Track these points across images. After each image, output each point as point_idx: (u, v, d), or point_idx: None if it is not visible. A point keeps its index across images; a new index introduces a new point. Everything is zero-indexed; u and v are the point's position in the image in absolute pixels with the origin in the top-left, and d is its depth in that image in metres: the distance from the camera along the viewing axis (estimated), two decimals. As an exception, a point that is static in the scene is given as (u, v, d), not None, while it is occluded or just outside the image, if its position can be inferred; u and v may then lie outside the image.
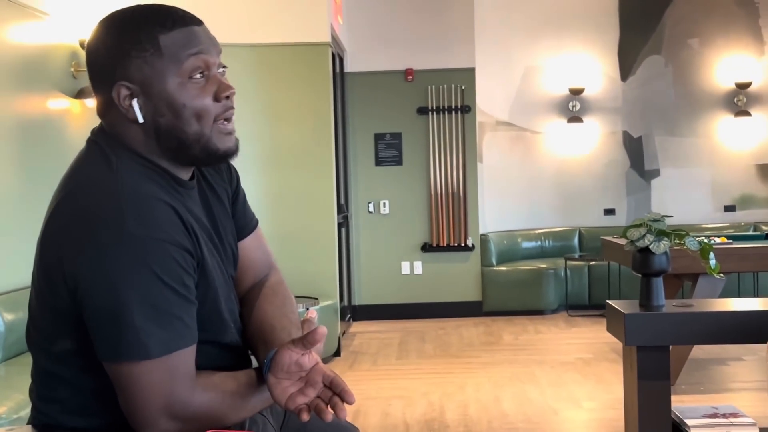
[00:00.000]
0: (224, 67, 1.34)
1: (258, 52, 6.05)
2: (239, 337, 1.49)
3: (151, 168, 1.33)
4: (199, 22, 1.33)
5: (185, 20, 1.31)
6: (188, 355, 1.29)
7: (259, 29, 6.05)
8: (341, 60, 7.35)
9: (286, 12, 6.10)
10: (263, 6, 6.10)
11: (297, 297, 5.58)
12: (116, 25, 1.30)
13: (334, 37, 6.49)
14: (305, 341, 1.32)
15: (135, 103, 1.28)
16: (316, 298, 5.61)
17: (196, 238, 1.33)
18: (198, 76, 1.30)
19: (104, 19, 1.33)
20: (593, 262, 7.72)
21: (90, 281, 1.22)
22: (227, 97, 1.32)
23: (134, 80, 1.28)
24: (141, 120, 1.29)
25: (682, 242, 3.39)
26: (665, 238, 3.41)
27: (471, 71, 7.70)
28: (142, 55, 1.27)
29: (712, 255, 3.36)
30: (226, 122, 1.33)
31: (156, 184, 1.31)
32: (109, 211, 1.23)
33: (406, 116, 7.72)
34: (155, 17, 1.29)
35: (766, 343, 3.09)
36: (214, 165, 1.43)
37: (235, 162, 1.49)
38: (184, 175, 1.39)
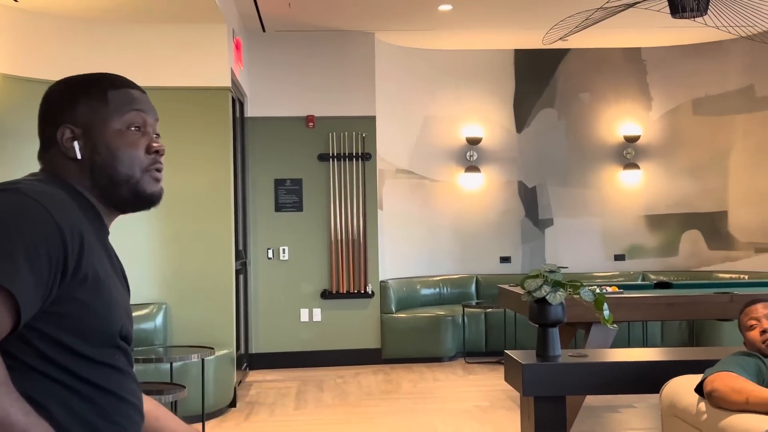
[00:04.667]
0: (158, 135, 1.53)
1: (154, 94, 5.88)
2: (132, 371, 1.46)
3: (78, 197, 1.43)
4: (143, 91, 1.55)
5: (132, 85, 1.53)
6: (8, 312, 1.21)
7: (156, 72, 5.93)
8: (242, 105, 7.30)
9: (185, 55, 6.02)
10: (160, 49, 6.00)
11: (191, 347, 5.46)
12: (70, 79, 1.51)
13: (234, 82, 6.44)
14: None
15: (76, 144, 1.44)
16: (212, 348, 5.46)
17: (84, 249, 1.32)
18: (135, 128, 1.48)
19: (62, 78, 1.53)
20: (490, 310, 7.81)
21: None
22: (157, 152, 1.49)
23: (78, 123, 1.45)
24: (79, 156, 1.44)
25: (577, 293, 3.47)
26: (561, 289, 3.47)
27: (372, 119, 7.76)
28: (90, 103, 1.46)
29: (605, 306, 3.44)
30: (156, 171, 1.49)
31: (78, 206, 1.39)
32: (10, 183, 1.33)
33: (306, 162, 7.70)
34: (107, 78, 1.52)
35: (659, 392, 3.16)
36: (139, 208, 1.51)
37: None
38: (107, 221, 1.49)
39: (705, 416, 2.70)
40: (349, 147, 7.72)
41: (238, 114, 6.94)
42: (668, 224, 8.60)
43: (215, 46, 6.04)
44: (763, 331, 2.94)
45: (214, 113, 6.06)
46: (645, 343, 7.69)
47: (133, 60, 5.89)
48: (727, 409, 2.61)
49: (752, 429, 2.41)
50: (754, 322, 3.00)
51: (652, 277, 8.10)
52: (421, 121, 8.44)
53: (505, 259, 8.54)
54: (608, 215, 8.61)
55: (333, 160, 7.70)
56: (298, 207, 7.66)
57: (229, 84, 6.10)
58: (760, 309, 3.03)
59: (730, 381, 2.66)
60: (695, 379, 2.87)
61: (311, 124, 7.68)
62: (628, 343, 7.54)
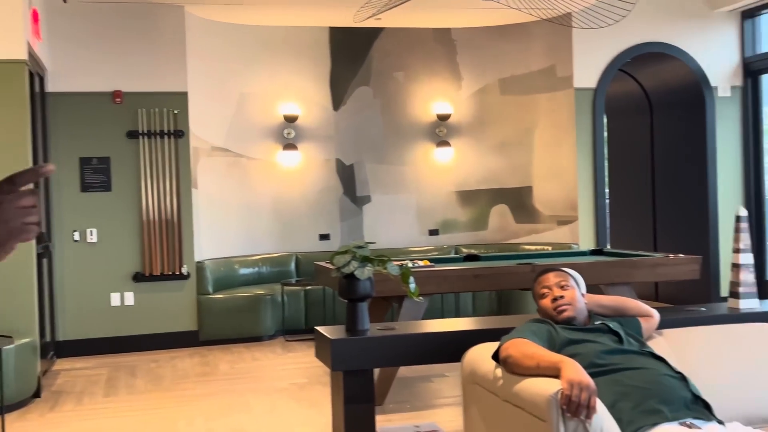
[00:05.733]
0: None
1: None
2: None
3: None
4: None
5: None
6: None
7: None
8: (42, 80, 6.87)
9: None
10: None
11: (-13, 336, 5.08)
12: None
13: (32, 55, 6.04)
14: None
15: None
16: (10, 336, 5.14)
17: None
18: None
19: None
20: (309, 287, 7.84)
21: None
22: None
23: None
24: None
25: (384, 267, 3.53)
26: (369, 264, 3.52)
27: (183, 95, 7.53)
28: None
29: (411, 279, 3.52)
30: None
31: None
32: None
33: (114, 140, 7.37)
34: None
35: (461, 360, 3.27)
36: None
37: None
38: None
39: (501, 381, 2.82)
40: (160, 124, 7.46)
41: (37, 89, 6.53)
42: (478, 199, 8.94)
43: (8, 16, 5.65)
44: (554, 299, 3.10)
45: (9, 89, 5.68)
46: (457, 314, 7.98)
47: None
48: (520, 374, 2.74)
49: (542, 391, 2.54)
50: (545, 290, 3.16)
51: (464, 250, 8.40)
52: (237, 97, 8.30)
53: (324, 237, 8.58)
54: (423, 192, 8.84)
55: (143, 138, 7.42)
56: (106, 187, 7.33)
57: (25, 57, 5.72)
58: (551, 278, 3.19)
59: (522, 347, 2.78)
60: (493, 346, 2.99)
61: (119, 99, 7.35)
62: (442, 314, 7.79)
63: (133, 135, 7.40)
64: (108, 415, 5.26)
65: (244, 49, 8.30)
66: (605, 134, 9.72)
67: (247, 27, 8.24)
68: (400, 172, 8.79)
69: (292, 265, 8.45)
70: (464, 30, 8.76)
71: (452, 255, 8.20)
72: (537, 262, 5.56)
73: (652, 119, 9.42)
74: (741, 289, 3.70)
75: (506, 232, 8.94)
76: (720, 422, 2.67)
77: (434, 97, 8.81)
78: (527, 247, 8.49)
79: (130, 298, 7.37)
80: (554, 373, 2.59)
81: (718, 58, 8.61)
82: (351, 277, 3.50)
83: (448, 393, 5.58)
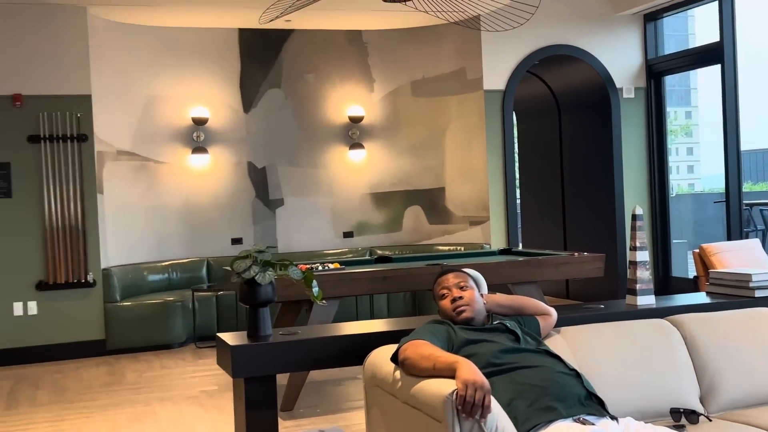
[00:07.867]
0: None
1: None
2: None
3: None
4: None
5: None
6: None
7: None
8: (-66, 81, 6.59)
9: None
10: None
11: None
12: None
13: None
14: None
15: None
16: None
17: None
18: None
19: None
20: (221, 292, 7.72)
21: None
22: None
23: None
24: None
25: (287, 272, 3.48)
26: (270, 269, 3.47)
27: (87, 98, 7.32)
28: None
29: (314, 283, 3.49)
30: None
31: None
32: None
33: (15, 145, 7.12)
34: None
35: (362, 364, 3.25)
36: None
37: None
38: None
39: (400, 383, 2.81)
40: (63, 128, 7.24)
41: (-71, 92, 6.27)
42: (392, 201, 8.96)
43: None
44: (453, 300, 3.12)
45: None
46: (372, 316, 7.97)
47: None
48: (418, 376, 2.73)
49: (437, 392, 2.54)
50: (445, 291, 3.18)
51: (379, 252, 8.40)
52: (143, 100, 8.12)
53: (236, 241, 8.46)
54: (337, 194, 8.82)
55: (45, 142, 7.19)
56: (5, 193, 7.08)
57: None
58: (450, 279, 3.21)
59: (420, 348, 2.78)
60: (394, 349, 2.98)
61: (18, 103, 7.11)
62: (356, 317, 7.78)
63: (34, 139, 7.16)
64: (7, 429, 5.06)
65: (151, 51, 8.13)
66: (515, 135, 9.87)
67: (152, 29, 8.07)
68: (314, 174, 8.75)
69: (204, 271, 8.31)
70: (375, 32, 8.78)
71: (366, 257, 8.20)
72: (447, 262, 5.59)
73: (560, 120, 9.61)
74: (638, 286, 3.78)
75: (420, 233, 8.98)
76: (613, 418, 2.71)
77: (346, 99, 8.80)
78: (440, 247, 8.55)
79: (33, 308, 7.14)
80: (450, 374, 2.60)
81: (622, 60, 8.83)
82: (252, 282, 3.44)
83: (358, 396, 5.55)
